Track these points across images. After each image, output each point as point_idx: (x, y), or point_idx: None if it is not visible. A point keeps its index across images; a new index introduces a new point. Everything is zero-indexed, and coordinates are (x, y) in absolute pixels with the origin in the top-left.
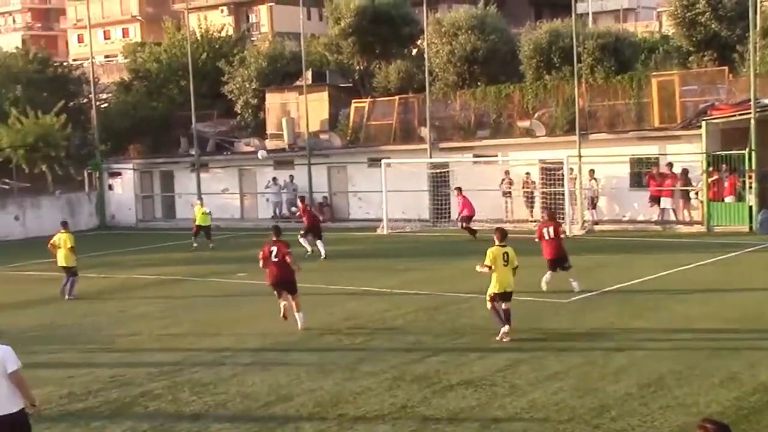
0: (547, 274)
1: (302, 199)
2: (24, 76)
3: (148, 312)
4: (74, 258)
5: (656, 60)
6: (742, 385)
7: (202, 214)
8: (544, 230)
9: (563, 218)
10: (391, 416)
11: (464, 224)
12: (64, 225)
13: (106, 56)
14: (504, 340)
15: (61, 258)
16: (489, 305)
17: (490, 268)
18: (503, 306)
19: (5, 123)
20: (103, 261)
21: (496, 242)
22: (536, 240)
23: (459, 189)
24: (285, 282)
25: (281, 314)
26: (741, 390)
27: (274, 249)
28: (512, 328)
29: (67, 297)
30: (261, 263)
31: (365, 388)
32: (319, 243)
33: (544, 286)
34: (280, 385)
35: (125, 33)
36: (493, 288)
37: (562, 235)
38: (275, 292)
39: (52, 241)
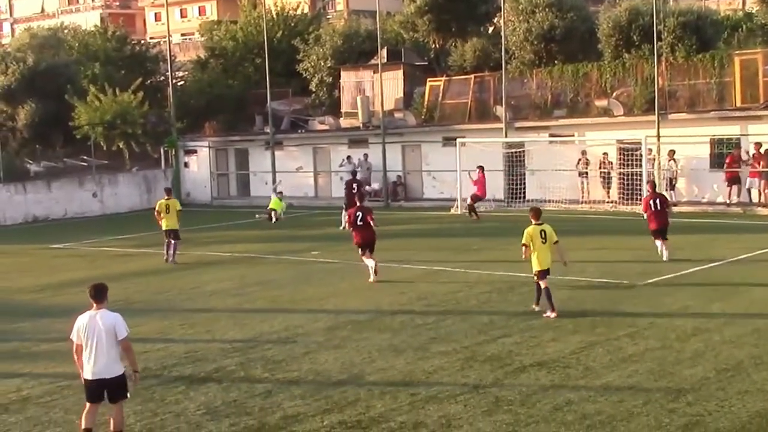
0: (659, 244)
1: (481, 168)
2: (102, 54)
3: (222, 289)
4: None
5: (739, 38)
6: None
7: (277, 201)
8: (651, 202)
9: (640, 199)
10: (463, 397)
11: (471, 202)
12: (168, 192)
13: (183, 34)
14: (552, 316)
15: (168, 222)
16: (537, 284)
17: (527, 246)
18: (543, 284)
19: (84, 100)
20: None
21: (533, 221)
22: (642, 212)
23: (481, 168)
24: (370, 242)
25: (372, 272)
26: None
27: (360, 213)
28: (587, 311)
29: (170, 261)
30: (347, 226)
31: (437, 368)
32: None
33: (664, 257)
34: (352, 363)
35: (202, 11)
36: (534, 266)
37: (668, 208)
38: (360, 250)
39: (157, 209)
